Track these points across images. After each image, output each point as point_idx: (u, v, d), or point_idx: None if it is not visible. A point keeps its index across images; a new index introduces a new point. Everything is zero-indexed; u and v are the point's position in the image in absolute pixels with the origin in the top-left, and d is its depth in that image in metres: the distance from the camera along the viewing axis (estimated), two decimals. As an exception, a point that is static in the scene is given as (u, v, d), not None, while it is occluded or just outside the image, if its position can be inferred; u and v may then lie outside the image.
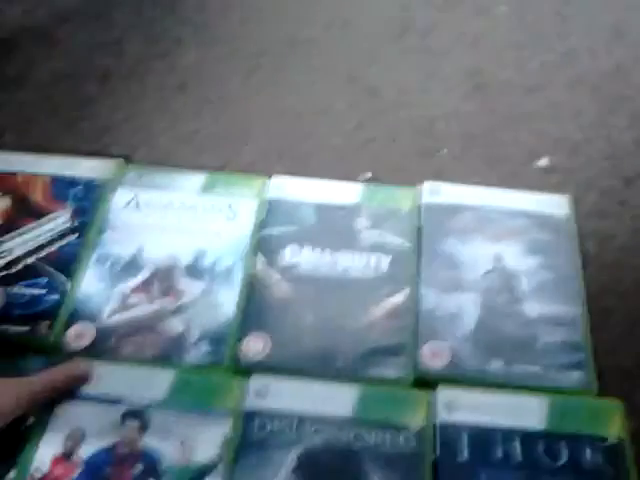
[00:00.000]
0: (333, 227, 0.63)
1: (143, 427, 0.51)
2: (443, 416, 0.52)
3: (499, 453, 0.51)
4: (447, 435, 0.51)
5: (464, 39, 0.83)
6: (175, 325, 0.56)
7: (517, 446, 0.51)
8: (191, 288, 0.59)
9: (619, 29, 0.84)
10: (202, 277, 0.59)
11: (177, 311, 0.57)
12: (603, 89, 0.77)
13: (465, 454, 0.50)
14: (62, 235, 0.63)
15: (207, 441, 0.50)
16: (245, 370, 0.54)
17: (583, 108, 0.76)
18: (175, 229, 0.63)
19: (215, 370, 0.54)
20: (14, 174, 0.68)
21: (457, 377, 0.55)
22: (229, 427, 0.51)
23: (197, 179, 0.67)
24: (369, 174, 0.69)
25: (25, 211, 0.65)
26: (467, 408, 0.52)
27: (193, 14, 0.86)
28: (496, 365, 0.55)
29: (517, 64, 0.80)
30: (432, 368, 0.55)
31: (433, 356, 0.55)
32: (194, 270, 0.60)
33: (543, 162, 0.71)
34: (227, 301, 0.58)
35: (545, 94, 0.77)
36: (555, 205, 0.66)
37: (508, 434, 0.51)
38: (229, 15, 0.86)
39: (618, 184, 0.69)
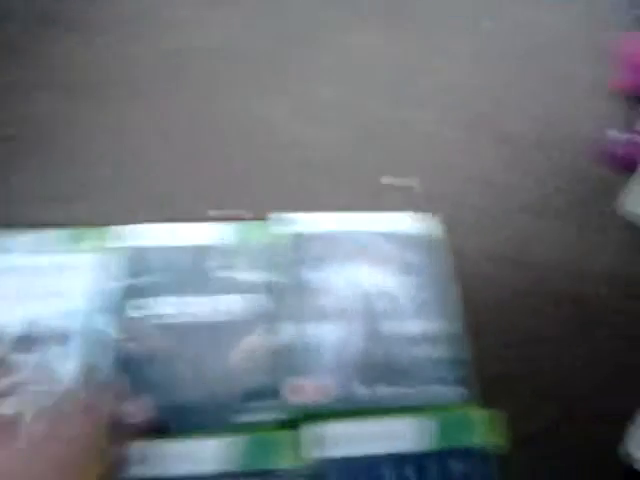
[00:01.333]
0: (184, 271, 0.60)
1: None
2: (311, 453, 0.50)
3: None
4: (317, 472, 0.49)
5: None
6: (5, 408, 0.50)
7: (388, 470, 0.50)
8: (24, 361, 0.53)
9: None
10: (35, 347, 0.54)
11: (9, 391, 0.51)
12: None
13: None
14: None
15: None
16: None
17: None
18: (4, 295, 0.57)
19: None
20: None
21: (323, 411, 0.53)
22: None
23: (27, 236, 0.61)
24: (213, 212, 0.67)
25: None
26: (335, 441, 0.51)
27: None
28: (364, 391, 0.55)
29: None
30: (297, 405, 0.53)
31: (295, 393, 0.53)
32: (25, 340, 0.54)
33: (388, 180, 0.72)
34: (71, 370, 0.52)
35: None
36: (415, 224, 0.66)
37: (378, 460, 0.51)
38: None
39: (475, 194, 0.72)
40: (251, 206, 0.67)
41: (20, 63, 0.80)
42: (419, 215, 0.67)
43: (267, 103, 0.79)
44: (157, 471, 0.48)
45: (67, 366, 0.53)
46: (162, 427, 0.50)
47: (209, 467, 0.49)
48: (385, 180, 0.72)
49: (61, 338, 0.54)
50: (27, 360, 0.53)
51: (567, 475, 0.54)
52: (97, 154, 0.72)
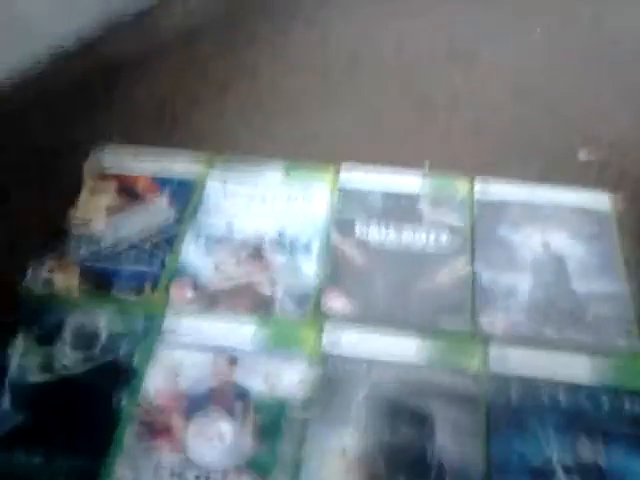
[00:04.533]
0: (398, 208, 0.72)
1: (232, 363, 0.59)
2: (497, 367, 0.58)
3: (546, 401, 0.56)
4: (500, 383, 0.57)
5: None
6: (263, 285, 0.65)
7: (562, 395, 0.57)
8: (275, 256, 0.68)
9: None
10: (284, 248, 0.69)
11: (264, 274, 0.66)
12: None
13: (515, 400, 0.56)
14: (163, 216, 0.74)
15: (289, 376, 0.58)
16: (325, 321, 0.62)
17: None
18: (259, 210, 0.73)
19: (298, 321, 0.63)
20: (120, 168, 0.79)
21: (510, 339, 0.61)
22: (308, 365, 0.58)
23: (276, 168, 0.77)
24: (427, 164, 0.77)
25: (131, 198, 0.76)
26: (519, 362, 0.59)
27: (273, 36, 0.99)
28: (548, 331, 0.61)
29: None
30: (489, 330, 0.61)
31: (490, 321, 0.62)
32: (277, 242, 0.69)
33: (583, 155, 0.78)
34: (307, 267, 0.67)
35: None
36: (598, 200, 0.72)
37: (554, 385, 0.57)
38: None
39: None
40: (455, 166, 0.77)
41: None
42: (594, 190, 0.72)
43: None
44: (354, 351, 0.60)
45: (307, 268, 0.67)
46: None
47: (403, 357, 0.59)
48: (581, 155, 0.78)
49: (302, 245, 0.69)
50: (278, 256, 0.68)
51: None
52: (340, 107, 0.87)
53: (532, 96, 0.86)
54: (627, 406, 0.56)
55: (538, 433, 0.54)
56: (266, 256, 0.68)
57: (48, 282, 0.67)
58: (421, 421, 0.55)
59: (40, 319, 0.63)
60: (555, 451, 0.53)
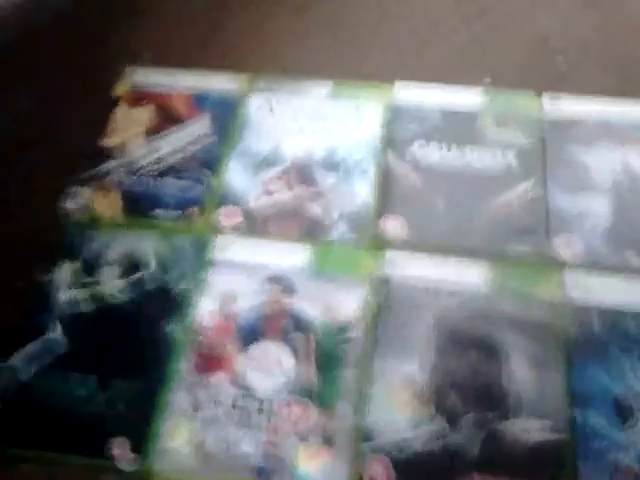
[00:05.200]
0: (458, 126, 0.66)
1: (287, 290, 0.56)
2: (574, 294, 0.54)
3: (629, 330, 0.52)
4: (579, 311, 0.53)
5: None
6: (314, 208, 0.61)
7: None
8: (326, 178, 0.63)
9: None
10: (336, 169, 0.64)
11: (315, 197, 0.62)
12: None
13: (596, 328, 0.52)
14: (204, 137, 0.69)
15: (347, 303, 0.54)
16: (383, 246, 0.58)
17: None
18: (307, 129, 0.67)
19: (354, 246, 0.59)
20: (155, 87, 0.74)
21: (588, 264, 0.56)
22: (367, 292, 0.55)
23: (324, 86, 0.71)
24: (488, 79, 0.71)
25: (168, 118, 0.71)
26: (596, 289, 0.54)
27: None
28: (629, 256, 0.57)
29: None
30: (564, 256, 0.57)
31: (565, 246, 0.57)
32: (328, 163, 0.64)
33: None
34: (361, 189, 0.62)
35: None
36: None
37: (636, 315, 0.53)
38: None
39: None
40: (520, 81, 0.70)
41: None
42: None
43: None
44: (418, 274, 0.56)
45: (362, 191, 0.62)
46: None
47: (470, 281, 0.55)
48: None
49: (354, 166, 0.64)
50: (329, 178, 0.63)
51: None
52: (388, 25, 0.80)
53: (605, 4, 0.78)
54: None
55: (622, 363, 0.50)
56: (317, 178, 0.63)
57: (89, 208, 0.64)
58: (493, 350, 0.51)
59: (84, 247, 0.60)
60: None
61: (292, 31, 0.80)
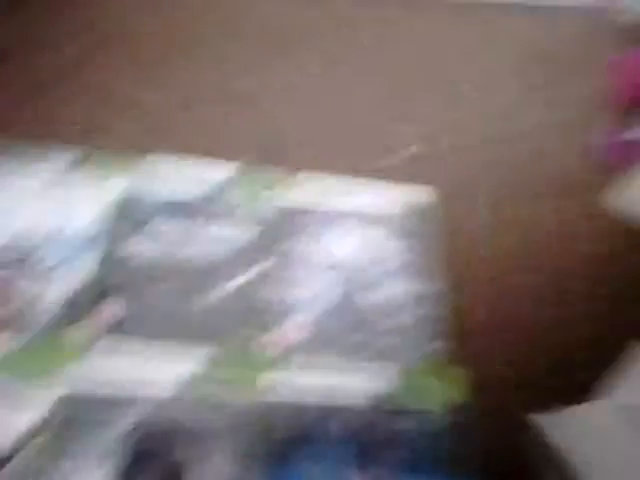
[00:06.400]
0: (205, 202, 0.65)
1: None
2: (270, 393, 0.52)
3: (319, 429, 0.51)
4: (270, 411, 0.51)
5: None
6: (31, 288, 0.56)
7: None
8: (51, 255, 0.58)
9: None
10: (63, 245, 0.59)
11: (34, 275, 0.57)
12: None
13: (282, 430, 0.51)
14: None
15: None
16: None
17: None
18: (35, 207, 0.63)
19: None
20: None
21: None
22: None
23: (65, 157, 0.67)
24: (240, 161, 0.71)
25: None
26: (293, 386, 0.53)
27: None
28: (331, 352, 0.55)
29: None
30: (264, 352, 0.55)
31: (267, 342, 0.56)
32: (55, 239, 0.60)
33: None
34: (86, 267, 0.58)
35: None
36: (416, 195, 0.67)
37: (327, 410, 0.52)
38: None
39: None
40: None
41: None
42: (412, 186, 0.68)
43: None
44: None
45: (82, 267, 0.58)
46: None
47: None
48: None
49: (86, 241, 0.60)
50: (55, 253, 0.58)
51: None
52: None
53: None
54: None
55: (307, 466, 0.48)
56: (37, 254, 0.58)
57: None
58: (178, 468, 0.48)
59: None
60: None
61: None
